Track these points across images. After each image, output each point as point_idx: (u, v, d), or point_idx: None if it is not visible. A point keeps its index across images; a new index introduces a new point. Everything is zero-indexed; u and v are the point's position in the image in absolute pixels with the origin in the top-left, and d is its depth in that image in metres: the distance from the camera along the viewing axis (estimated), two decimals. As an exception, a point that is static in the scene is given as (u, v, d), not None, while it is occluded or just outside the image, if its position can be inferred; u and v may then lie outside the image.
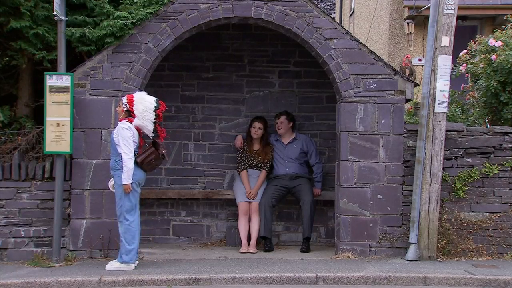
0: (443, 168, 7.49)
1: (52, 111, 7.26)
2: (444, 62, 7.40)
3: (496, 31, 8.74)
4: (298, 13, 7.63)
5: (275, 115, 8.55)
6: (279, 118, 8.47)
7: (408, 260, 7.27)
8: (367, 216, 7.54)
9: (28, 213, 7.37)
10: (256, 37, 8.91)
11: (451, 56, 7.47)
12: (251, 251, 7.98)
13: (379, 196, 7.54)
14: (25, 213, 7.37)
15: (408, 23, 12.68)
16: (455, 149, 7.64)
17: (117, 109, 7.08)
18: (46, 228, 7.35)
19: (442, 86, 7.40)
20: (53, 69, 7.47)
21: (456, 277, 6.48)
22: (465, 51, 9.04)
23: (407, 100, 7.74)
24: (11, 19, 7.40)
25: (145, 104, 6.76)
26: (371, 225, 7.53)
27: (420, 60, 12.39)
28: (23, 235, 7.37)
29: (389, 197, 7.55)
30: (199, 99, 8.91)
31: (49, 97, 7.25)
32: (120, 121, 6.82)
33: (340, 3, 20.20)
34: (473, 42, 8.95)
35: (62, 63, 7.27)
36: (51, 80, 7.26)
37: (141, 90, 7.45)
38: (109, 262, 6.82)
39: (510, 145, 7.64)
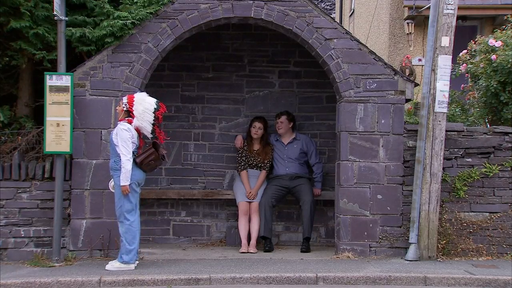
0: (443, 168, 7.49)
1: (52, 111, 7.26)
2: (444, 62, 7.41)
3: (496, 31, 8.74)
4: (298, 13, 7.63)
5: (276, 114, 8.55)
6: (279, 118, 8.47)
7: (408, 260, 7.27)
8: (367, 216, 7.54)
9: (28, 213, 7.38)
10: (256, 37, 8.91)
11: (451, 56, 7.47)
12: (251, 251, 7.98)
13: (379, 196, 7.54)
14: (25, 213, 7.37)
15: (408, 23, 12.69)
16: (455, 149, 7.64)
17: (117, 108, 7.08)
18: (46, 228, 7.35)
19: (442, 86, 7.40)
20: (53, 69, 7.47)
21: (456, 277, 6.48)
22: (465, 51, 9.04)
23: (407, 100, 7.74)
24: (11, 19, 7.40)
25: (145, 105, 6.76)
26: (371, 225, 7.53)
27: (420, 60, 12.39)
28: (23, 235, 7.37)
29: (389, 197, 7.55)
30: (199, 99, 8.91)
31: (49, 97, 7.25)
32: (120, 121, 6.82)
33: (340, 3, 20.21)
34: (473, 42, 8.95)
35: (62, 63, 7.28)
36: (51, 80, 7.26)
37: (141, 90, 7.46)
38: (109, 262, 6.82)
39: (510, 145, 7.64)
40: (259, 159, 8.44)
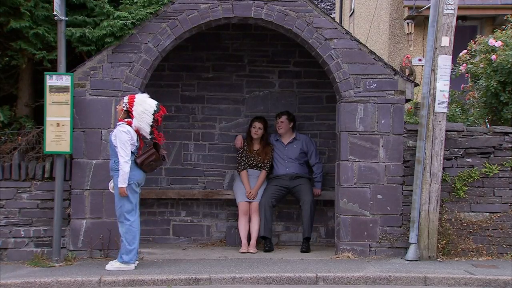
0: (443, 168, 7.49)
1: (52, 111, 7.26)
2: (444, 62, 7.41)
3: (496, 31, 8.74)
4: (298, 13, 7.63)
5: (276, 114, 8.56)
6: (280, 118, 8.47)
7: (408, 260, 7.27)
8: (367, 216, 7.54)
9: (28, 213, 7.38)
10: (256, 37, 8.91)
11: (451, 56, 7.47)
12: (251, 251, 7.98)
13: (379, 196, 7.54)
14: (25, 213, 7.37)
15: (408, 23, 12.69)
16: (455, 149, 7.64)
17: (117, 107, 7.08)
18: (46, 228, 7.35)
19: (442, 86, 7.40)
20: (53, 69, 7.47)
21: (456, 277, 6.48)
22: (465, 51, 9.04)
23: (407, 100, 7.74)
24: (11, 19, 7.39)
25: (145, 106, 6.76)
26: (371, 225, 7.53)
27: (420, 60, 12.39)
28: (23, 235, 7.37)
29: (389, 197, 7.55)
30: (199, 99, 8.91)
31: (49, 97, 7.25)
32: (119, 121, 6.82)
33: (340, 3, 20.21)
34: (473, 42, 8.95)
35: (62, 63, 7.28)
36: (51, 80, 7.26)
37: (141, 90, 7.47)
38: (109, 262, 6.82)
39: (510, 145, 7.64)
40: (259, 159, 8.44)
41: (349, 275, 6.52)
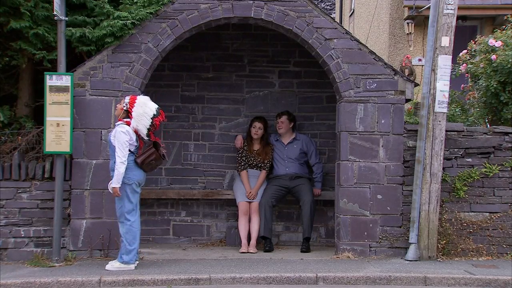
0: (443, 168, 7.49)
1: (52, 111, 7.26)
2: (444, 62, 7.41)
3: (496, 31, 8.74)
4: (298, 13, 7.63)
5: (276, 114, 8.56)
6: (280, 118, 8.47)
7: (408, 260, 7.27)
8: (367, 216, 7.54)
9: (28, 213, 7.38)
10: (256, 37, 8.91)
11: (451, 56, 7.47)
12: (251, 251, 7.98)
13: (379, 196, 7.54)
14: (25, 213, 7.37)
15: (408, 23, 12.68)
16: (455, 149, 7.64)
17: (117, 105, 7.07)
18: (46, 228, 7.35)
19: (442, 86, 7.40)
20: (53, 69, 7.47)
21: (456, 277, 6.48)
22: (465, 51, 9.04)
23: (407, 100, 7.74)
24: (11, 19, 7.39)
25: (145, 109, 6.75)
26: (371, 225, 7.53)
27: (420, 60, 12.39)
28: (23, 235, 7.37)
29: (389, 197, 7.55)
30: (199, 99, 8.91)
31: (49, 97, 7.25)
32: (119, 120, 6.81)
33: (340, 3, 20.21)
34: (473, 42, 8.95)
35: (62, 63, 7.28)
36: (51, 80, 7.26)
37: (141, 90, 7.47)
38: (109, 262, 6.82)
39: (510, 145, 7.64)
40: (259, 159, 8.44)
41: (349, 275, 6.52)
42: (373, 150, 7.57)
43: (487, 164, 7.62)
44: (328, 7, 22.85)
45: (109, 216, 7.31)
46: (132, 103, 6.77)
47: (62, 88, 7.27)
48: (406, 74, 10.98)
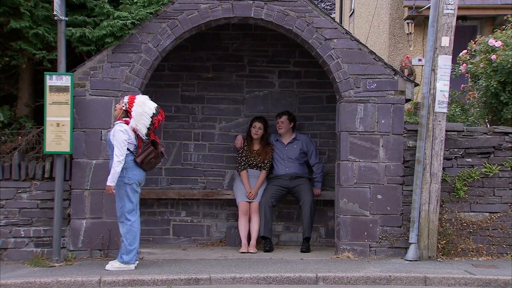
0: (443, 168, 7.49)
1: (52, 111, 7.26)
2: (444, 62, 7.41)
3: (496, 31, 8.74)
4: (298, 13, 7.63)
5: (276, 114, 8.56)
6: (280, 118, 8.47)
7: (408, 260, 7.27)
8: (367, 216, 7.54)
9: (28, 213, 7.37)
10: (256, 37, 8.91)
11: (451, 56, 7.47)
12: (251, 251, 7.98)
13: (379, 196, 7.54)
14: (25, 213, 7.37)
15: (408, 23, 12.68)
16: (455, 149, 7.64)
17: (116, 105, 7.07)
18: (46, 228, 7.35)
19: (442, 86, 7.40)
20: (53, 69, 7.47)
21: (456, 277, 6.48)
22: (465, 51, 9.04)
23: (407, 100, 7.74)
24: (11, 19, 7.39)
25: (144, 108, 6.75)
26: (371, 225, 7.53)
27: (420, 60, 12.39)
28: (23, 235, 7.37)
29: (389, 197, 7.55)
30: (199, 99, 8.91)
31: (49, 97, 7.25)
32: (117, 120, 6.81)
33: (340, 3, 20.21)
34: (473, 42, 8.95)
35: (62, 63, 7.28)
36: (51, 80, 7.26)
37: (141, 90, 7.47)
38: (109, 262, 6.82)
39: (510, 145, 7.64)
40: (259, 159, 8.44)
41: (349, 275, 6.52)
42: (373, 150, 7.57)
43: (487, 164, 7.62)
44: (328, 7, 22.85)
45: (109, 216, 7.31)
46: (131, 102, 6.77)
47: (62, 88, 7.27)
48: (406, 74, 10.98)
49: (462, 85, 9.37)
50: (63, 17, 7.22)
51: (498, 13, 12.37)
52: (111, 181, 6.61)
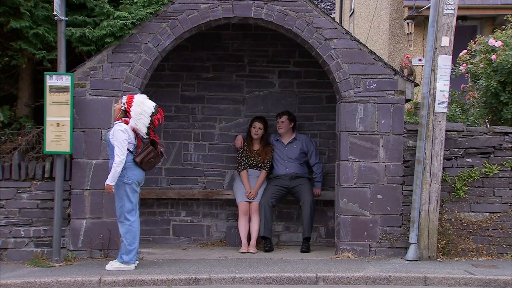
0: (443, 168, 7.49)
1: (52, 111, 7.26)
2: (444, 62, 7.41)
3: (496, 31, 8.74)
4: (298, 13, 7.63)
5: (277, 114, 8.56)
6: (280, 118, 8.47)
7: (408, 260, 7.27)
8: (367, 216, 7.54)
9: (28, 213, 7.37)
10: (256, 37, 8.91)
11: (451, 56, 7.47)
12: (251, 251, 7.98)
13: (379, 196, 7.54)
14: (25, 213, 7.37)
15: (408, 23, 12.68)
16: (455, 149, 7.64)
17: (115, 105, 7.07)
18: (46, 228, 7.35)
19: (442, 86, 7.40)
20: (53, 69, 7.47)
21: (456, 277, 6.48)
22: (465, 51, 9.04)
23: (407, 100, 7.74)
24: (11, 19, 7.39)
25: (143, 107, 6.75)
26: (371, 225, 7.53)
27: (420, 60, 12.39)
28: (23, 235, 7.37)
29: (389, 197, 7.55)
30: (199, 99, 8.91)
31: (49, 97, 7.25)
32: (117, 120, 6.81)
33: (340, 3, 20.21)
34: (473, 42, 8.95)
35: (62, 63, 7.28)
36: (51, 80, 7.26)
37: (141, 90, 7.47)
38: (109, 262, 6.82)
39: (510, 145, 7.64)
40: (259, 159, 8.44)
41: (349, 275, 6.52)
42: (373, 150, 7.58)
43: (487, 164, 7.62)
44: (328, 7, 22.85)
45: (109, 216, 7.31)
46: (129, 102, 6.76)
47: (62, 88, 7.27)
48: (406, 74, 10.98)
49: (462, 85, 9.37)
50: (63, 17, 7.22)
51: (498, 13, 12.38)
52: (111, 180, 6.61)
